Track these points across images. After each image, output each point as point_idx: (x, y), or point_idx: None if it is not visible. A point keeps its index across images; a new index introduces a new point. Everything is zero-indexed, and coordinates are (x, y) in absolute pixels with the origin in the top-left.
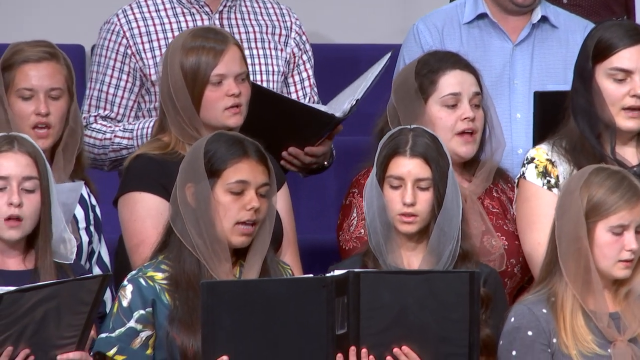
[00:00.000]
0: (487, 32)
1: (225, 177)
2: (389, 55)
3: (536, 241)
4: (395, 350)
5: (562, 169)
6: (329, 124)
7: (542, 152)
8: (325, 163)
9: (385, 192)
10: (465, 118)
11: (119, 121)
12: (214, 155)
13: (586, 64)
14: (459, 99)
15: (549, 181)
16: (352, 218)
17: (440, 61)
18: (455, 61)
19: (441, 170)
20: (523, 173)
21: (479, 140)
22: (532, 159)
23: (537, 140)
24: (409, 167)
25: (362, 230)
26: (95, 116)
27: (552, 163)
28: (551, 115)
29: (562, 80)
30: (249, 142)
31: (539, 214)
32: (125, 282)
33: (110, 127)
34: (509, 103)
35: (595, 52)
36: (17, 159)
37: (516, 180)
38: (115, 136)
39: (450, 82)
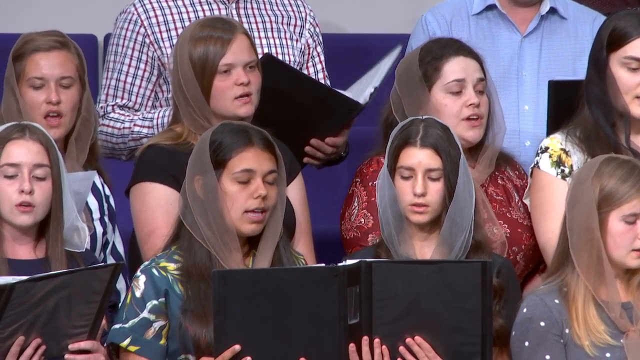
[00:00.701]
0: (496, 24)
1: (230, 167)
2: (399, 47)
3: (550, 231)
4: (408, 340)
5: (576, 158)
6: (352, 110)
7: (556, 141)
8: (343, 153)
9: (397, 183)
10: (471, 104)
11: (136, 110)
12: (219, 146)
13: (600, 53)
14: (464, 85)
15: (563, 170)
16: (353, 207)
17: (443, 48)
18: (458, 47)
19: (452, 161)
20: (537, 162)
21: (485, 125)
22: (546, 148)
23: (550, 130)
24: (419, 157)
25: (362, 220)
26: (112, 105)
27: (566, 152)
28: (565, 104)
29: (570, 72)
30: (254, 130)
31: (553, 204)
32: (139, 272)
33: (128, 116)
34: (517, 95)
35: (609, 41)
36: (28, 146)
37: (530, 170)
38: (134, 125)
39: (454, 68)
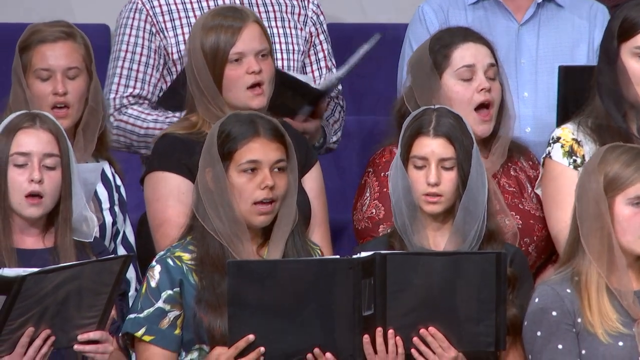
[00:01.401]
0: (493, 12)
1: (237, 158)
2: (378, 36)
3: (563, 221)
4: (422, 331)
5: (588, 149)
6: (307, 95)
7: (568, 131)
8: (316, 143)
9: (410, 173)
10: (482, 89)
11: (149, 100)
12: (226, 138)
13: (611, 44)
14: (474, 70)
15: (575, 160)
16: (365, 198)
17: (453, 35)
18: (467, 34)
19: (465, 150)
20: (549, 153)
21: (496, 115)
22: (558, 138)
23: (561, 115)
24: (432, 147)
25: (374, 210)
26: (127, 96)
27: (578, 142)
28: (575, 90)
29: (568, 59)
30: (262, 120)
31: (565, 194)
32: (154, 262)
33: (149, 113)
34: (517, 82)
35: (620, 32)
36: (38, 135)
37: (542, 160)
38: (157, 123)
39: (464, 54)
